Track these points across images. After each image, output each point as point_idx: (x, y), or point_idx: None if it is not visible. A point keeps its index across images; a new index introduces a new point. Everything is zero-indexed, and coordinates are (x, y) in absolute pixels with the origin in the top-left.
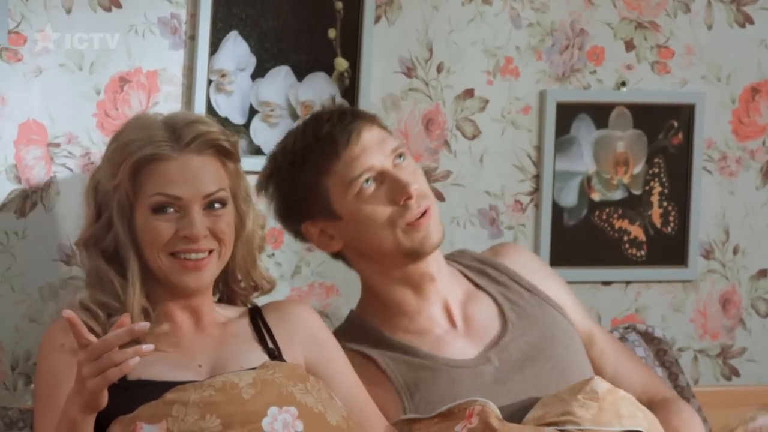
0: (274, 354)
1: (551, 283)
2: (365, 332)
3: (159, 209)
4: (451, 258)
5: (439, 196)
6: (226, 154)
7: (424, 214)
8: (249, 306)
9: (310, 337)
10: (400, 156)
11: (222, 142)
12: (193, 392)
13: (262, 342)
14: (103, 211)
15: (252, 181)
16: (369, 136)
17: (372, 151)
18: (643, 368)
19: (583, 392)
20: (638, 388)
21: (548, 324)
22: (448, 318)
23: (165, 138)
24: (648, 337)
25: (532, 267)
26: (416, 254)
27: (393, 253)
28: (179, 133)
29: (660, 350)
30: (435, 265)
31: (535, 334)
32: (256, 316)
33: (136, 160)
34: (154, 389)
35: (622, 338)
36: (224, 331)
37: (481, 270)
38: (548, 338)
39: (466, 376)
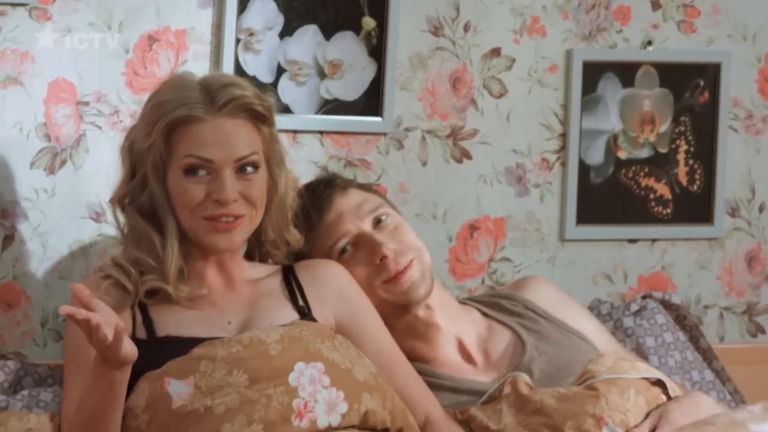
0: (304, 312)
1: (571, 312)
2: None
3: (190, 171)
4: (466, 298)
5: (467, 155)
6: (260, 118)
7: (405, 269)
8: (282, 264)
9: (340, 295)
10: (379, 219)
11: (256, 107)
12: (220, 348)
13: (293, 300)
14: (138, 169)
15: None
16: (342, 202)
17: (346, 216)
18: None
19: (592, 359)
20: None
21: (566, 345)
22: (466, 358)
23: (199, 100)
24: (666, 304)
25: (549, 297)
26: (405, 306)
27: (384, 308)
28: (213, 96)
29: (679, 315)
30: (439, 315)
31: (554, 354)
32: (288, 274)
33: (169, 120)
34: (183, 345)
35: (642, 308)
36: (255, 288)
37: (494, 303)
38: (567, 357)
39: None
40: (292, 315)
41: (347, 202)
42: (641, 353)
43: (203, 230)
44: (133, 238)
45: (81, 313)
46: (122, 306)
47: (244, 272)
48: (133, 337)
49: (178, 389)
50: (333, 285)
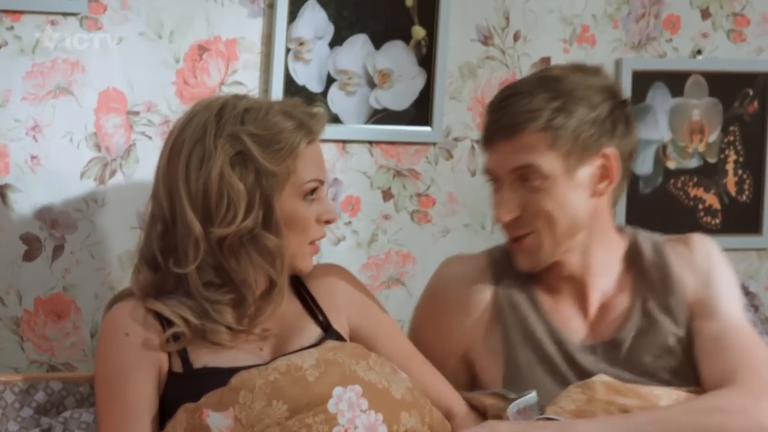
0: (326, 326)
1: (718, 281)
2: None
3: (310, 193)
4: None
5: None
6: None
7: (519, 239)
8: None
9: (351, 300)
10: (526, 177)
11: None
12: (258, 377)
13: (312, 314)
14: (253, 197)
15: (326, 150)
16: (501, 145)
17: (500, 157)
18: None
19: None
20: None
21: (666, 334)
22: (581, 308)
23: (305, 123)
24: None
25: (705, 267)
26: None
27: None
28: (311, 121)
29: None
30: (578, 266)
31: (649, 344)
32: (298, 287)
33: (302, 145)
34: (221, 377)
35: None
36: (277, 309)
37: (640, 270)
38: (661, 346)
39: (567, 359)
40: (316, 331)
41: (504, 145)
42: None
43: (304, 254)
44: (245, 253)
45: None
46: (161, 345)
47: None
48: (170, 371)
49: (218, 422)
50: (342, 291)
